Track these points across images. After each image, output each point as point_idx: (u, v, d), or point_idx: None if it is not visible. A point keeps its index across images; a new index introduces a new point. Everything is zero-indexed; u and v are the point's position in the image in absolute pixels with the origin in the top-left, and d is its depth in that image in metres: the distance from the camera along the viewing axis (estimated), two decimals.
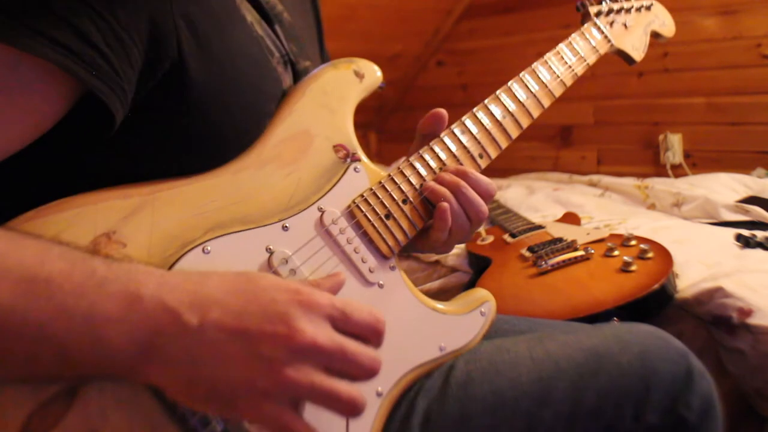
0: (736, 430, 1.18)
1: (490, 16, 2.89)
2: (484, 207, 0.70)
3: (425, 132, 0.75)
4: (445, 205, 0.68)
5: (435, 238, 0.71)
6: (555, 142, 2.73)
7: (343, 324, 0.50)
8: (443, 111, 0.74)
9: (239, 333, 0.47)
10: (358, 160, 0.68)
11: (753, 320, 1.13)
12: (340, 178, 0.66)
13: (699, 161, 2.35)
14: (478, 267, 1.47)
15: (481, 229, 1.65)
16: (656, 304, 1.16)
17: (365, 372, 0.50)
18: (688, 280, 1.25)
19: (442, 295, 1.52)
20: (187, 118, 0.58)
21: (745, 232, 1.46)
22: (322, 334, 0.48)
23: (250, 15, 0.69)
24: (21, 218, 0.51)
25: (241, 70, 0.62)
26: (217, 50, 0.59)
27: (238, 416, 0.50)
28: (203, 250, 0.56)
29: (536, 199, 2.11)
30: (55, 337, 0.44)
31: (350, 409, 0.49)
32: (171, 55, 0.56)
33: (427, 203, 0.70)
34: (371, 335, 0.52)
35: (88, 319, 0.45)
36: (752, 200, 1.78)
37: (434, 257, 1.62)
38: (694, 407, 0.70)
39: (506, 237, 1.55)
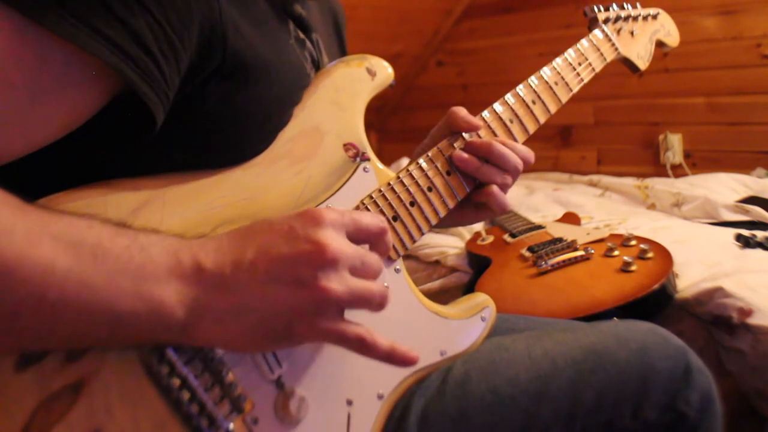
0: (736, 430, 1.18)
1: (490, 16, 2.89)
2: (517, 159, 0.73)
3: (451, 129, 0.75)
4: (494, 188, 0.72)
5: (494, 208, 0.74)
6: (555, 142, 2.73)
7: (355, 231, 0.53)
8: (469, 118, 0.74)
9: (272, 267, 0.49)
10: (368, 159, 0.68)
11: (753, 320, 1.13)
12: (349, 178, 0.66)
13: (699, 161, 2.35)
14: (478, 267, 1.47)
15: (481, 229, 1.65)
16: (656, 304, 1.16)
17: (376, 273, 0.54)
18: (688, 280, 1.25)
19: (443, 295, 1.53)
20: (216, 122, 0.58)
21: (745, 232, 1.46)
22: (344, 243, 0.51)
23: (289, 22, 0.69)
24: None
25: (278, 77, 0.62)
26: (259, 58, 0.59)
27: (297, 343, 0.53)
28: (207, 237, 0.56)
29: (536, 199, 2.11)
30: (109, 301, 0.45)
31: (383, 301, 0.52)
32: (216, 61, 0.56)
33: (434, 206, 0.70)
34: (377, 238, 0.56)
35: (138, 281, 0.46)
36: (752, 200, 1.79)
37: (434, 257, 1.62)
38: (694, 403, 0.71)
39: (506, 237, 1.55)
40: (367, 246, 0.56)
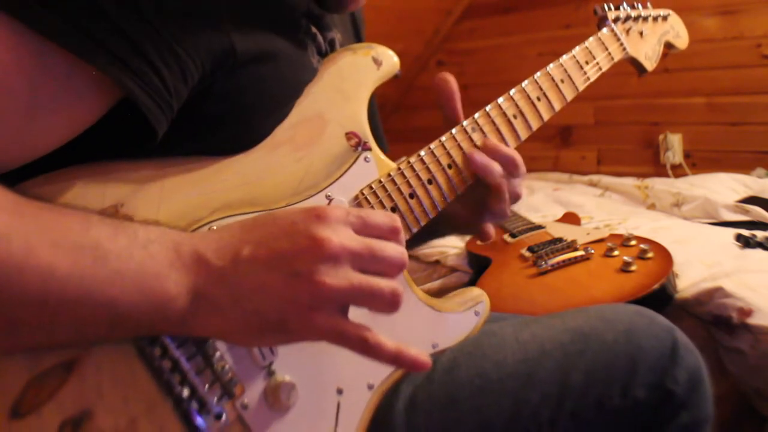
0: (736, 430, 1.18)
1: (490, 16, 2.89)
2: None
3: (443, 103, 0.75)
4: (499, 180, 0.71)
5: (498, 210, 0.73)
6: (555, 142, 2.73)
7: (362, 228, 0.52)
8: (445, 75, 0.75)
9: (270, 259, 0.49)
10: (369, 149, 0.68)
11: (753, 320, 1.13)
12: (350, 167, 0.66)
13: (699, 161, 2.35)
14: (478, 267, 1.47)
15: None
16: (656, 304, 1.16)
17: (395, 264, 0.52)
18: (688, 280, 1.25)
19: (442, 295, 1.52)
20: (219, 114, 0.58)
21: (745, 232, 1.46)
22: (346, 237, 0.50)
23: (300, 18, 0.69)
24: (28, 184, 0.51)
25: (284, 71, 0.62)
26: (264, 54, 0.59)
27: (295, 339, 0.52)
28: (209, 230, 0.56)
29: (536, 199, 2.11)
30: (110, 300, 0.45)
31: (394, 301, 0.50)
32: (228, 64, 0.56)
33: (433, 200, 0.70)
34: (390, 233, 0.54)
35: (139, 278, 0.46)
36: (752, 200, 1.79)
37: (434, 257, 1.62)
38: (681, 381, 0.71)
39: (506, 237, 1.55)
40: None
